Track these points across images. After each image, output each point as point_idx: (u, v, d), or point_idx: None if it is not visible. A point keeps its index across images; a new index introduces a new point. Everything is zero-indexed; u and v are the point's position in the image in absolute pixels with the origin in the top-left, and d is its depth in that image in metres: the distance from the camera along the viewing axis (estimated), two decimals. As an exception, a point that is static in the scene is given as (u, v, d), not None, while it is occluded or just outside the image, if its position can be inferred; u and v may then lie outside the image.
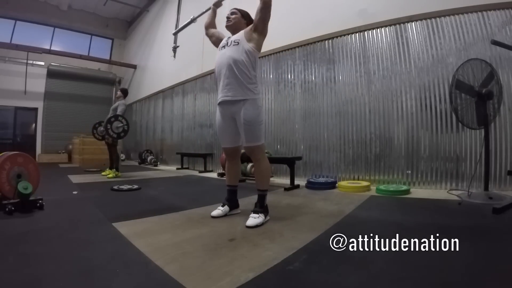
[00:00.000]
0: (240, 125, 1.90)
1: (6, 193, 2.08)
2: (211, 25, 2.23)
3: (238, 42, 1.90)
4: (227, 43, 1.96)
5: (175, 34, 2.98)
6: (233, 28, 2.02)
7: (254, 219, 1.76)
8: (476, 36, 2.86)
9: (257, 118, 1.89)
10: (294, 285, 1.02)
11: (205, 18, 2.36)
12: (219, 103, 1.98)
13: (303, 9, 4.27)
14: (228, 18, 2.04)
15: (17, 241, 1.46)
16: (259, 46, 1.93)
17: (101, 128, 4.96)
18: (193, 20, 2.49)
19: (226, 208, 2.02)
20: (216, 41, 2.14)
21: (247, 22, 2.03)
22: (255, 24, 1.89)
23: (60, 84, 9.50)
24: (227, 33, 2.12)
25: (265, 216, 1.84)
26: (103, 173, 4.80)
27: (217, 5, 2.29)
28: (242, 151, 2.13)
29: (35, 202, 2.15)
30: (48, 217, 1.98)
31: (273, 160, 3.35)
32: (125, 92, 4.96)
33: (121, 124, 4.47)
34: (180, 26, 2.58)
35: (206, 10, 2.37)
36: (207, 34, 2.25)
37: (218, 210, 1.98)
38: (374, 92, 3.43)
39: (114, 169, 4.61)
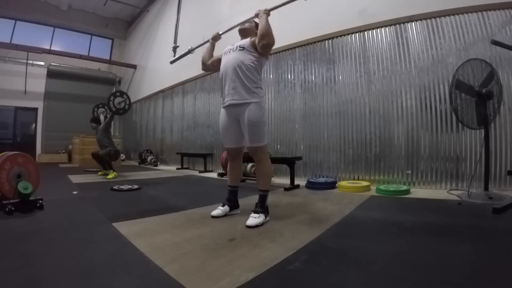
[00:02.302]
0: (244, 126, 1.91)
1: (6, 193, 2.08)
2: (209, 59, 2.21)
3: (243, 48, 1.93)
4: (233, 48, 1.98)
5: (172, 63, 3.01)
6: (243, 32, 2.07)
7: (254, 219, 1.76)
8: (476, 36, 2.86)
9: (261, 119, 1.90)
10: (294, 285, 1.02)
11: (202, 50, 2.29)
12: (225, 107, 1.99)
13: (303, 9, 4.25)
14: (243, 22, 2.10)
15: (17, 241, 1.46)
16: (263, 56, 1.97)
17: (102, 109, 5.03)
18: (190, 51, 2.48)
19: (226, 208, 2.02)
20: (216, 62, 2.14)
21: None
22: (260, 50, 1.90)
23: (60, 84, 9.50)
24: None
25: (265, 216, 1.84)
26: (99, 173, 4.81)
27: (216, 39, 2.27)
28: (245, 151, 2.14)
29: (35, 202, 2.15)
30: (48, 217, 1.98)
31: (273, 160, 3.34)
32: (97, 121, 4.99)
33: (123, 99, 4.52)
34: (177, 55, 2.62)
35: (204, 42, 2.36)
36: (204, 69, 2.25)
37: (218, 210, 1.99)
38: (374, 92, 3.43)
39: (111, 170, 4.60)
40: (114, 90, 4.66)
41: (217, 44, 2.29)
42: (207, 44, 2.29)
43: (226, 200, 2.07)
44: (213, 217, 1.94)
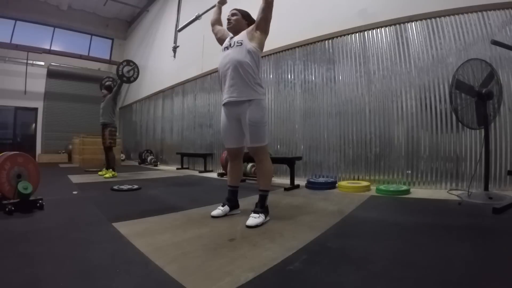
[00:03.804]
0: (245, 126, 1.90)
1: (6, 193, 2.08)
2: (216, 21, 2.25)
3: (241, 43, 1.91)
4: (230, 44, 1.97)
5: (180, 31, 2.91)
6: (234, 29, 2.03)
7: (254, 219, 1.76)
8: (476, 36, 2.86)
9: (262, 119, 1.90)
10: (294, 285, 1.02)
11: (210, 16, 2.35)
12: (224, 104, 1.98)
13: (303, 9, 4.27)
14: (228, 20, 2.05)
15: (17, 241, 1.46)
16: (261, 45, 1.95)
17: (109, 82, 5.10)
18: (197, 17, 2.45)
19: (226, 208, 2.02)
20: (221, 38, 2.16)
21: (248, 23, 2.04)
22: (258, 23, 1.91)
23: (60, 84, 9.50)
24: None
25: (265, 216, 1.84)
26: (99, 173, 4.80)
27: (222, 2, 2.30)
28: (245, 151, 2.13)
29: (35, 202, 2.15)
30: (48, 217, 1.98)
31: (273, 160, 3.33)
32: (109, 89, 4.92)
33: (131, 67, 4.66)
34: (184, 23, 2.48)
35: (211, 8, 2.36)
36: (213, 31, 2.26)
37: (218, 210, 1.99)
38: (374, 92, 3.43)
39: (111, 169, 4.60)
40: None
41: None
42: (215, 8, 2.32)
43: (226, 200, 2.07)
44: (213, 217, 1.94)
